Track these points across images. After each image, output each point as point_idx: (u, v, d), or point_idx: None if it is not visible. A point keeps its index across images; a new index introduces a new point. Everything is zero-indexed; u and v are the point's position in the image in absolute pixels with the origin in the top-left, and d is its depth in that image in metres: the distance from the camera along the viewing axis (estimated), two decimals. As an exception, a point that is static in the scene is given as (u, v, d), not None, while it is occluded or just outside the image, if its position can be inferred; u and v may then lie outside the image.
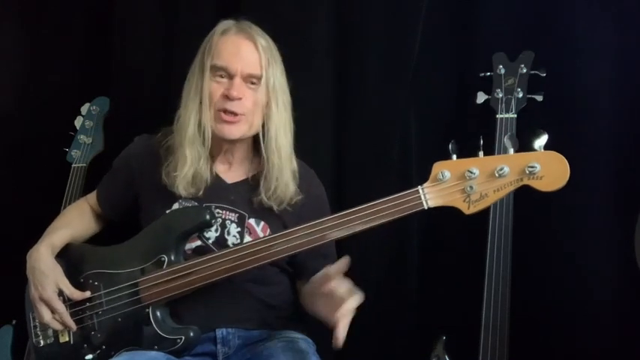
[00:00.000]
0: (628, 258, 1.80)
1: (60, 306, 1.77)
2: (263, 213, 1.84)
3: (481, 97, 2.11)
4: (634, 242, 1.76)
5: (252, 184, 1.86)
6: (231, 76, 1.80)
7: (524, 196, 1.93)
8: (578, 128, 2.11)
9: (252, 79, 1.81)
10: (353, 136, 2.32)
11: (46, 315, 1.77)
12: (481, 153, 1.58)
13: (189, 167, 1.80)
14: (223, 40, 1.82)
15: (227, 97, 1.79)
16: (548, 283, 2.13)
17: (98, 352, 1.77)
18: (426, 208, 1.60)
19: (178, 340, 1.72)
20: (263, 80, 1.81)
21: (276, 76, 1.83)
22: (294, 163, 1.87)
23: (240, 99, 1.79)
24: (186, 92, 1.84)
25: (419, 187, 1.60)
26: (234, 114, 1.79)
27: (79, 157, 2.47)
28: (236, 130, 1.81)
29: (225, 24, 1.86)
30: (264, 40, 1.83)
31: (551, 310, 2.13)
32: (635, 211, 1.80)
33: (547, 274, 2.14)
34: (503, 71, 2.10)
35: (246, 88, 1.81)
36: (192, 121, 1.80)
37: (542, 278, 2.13)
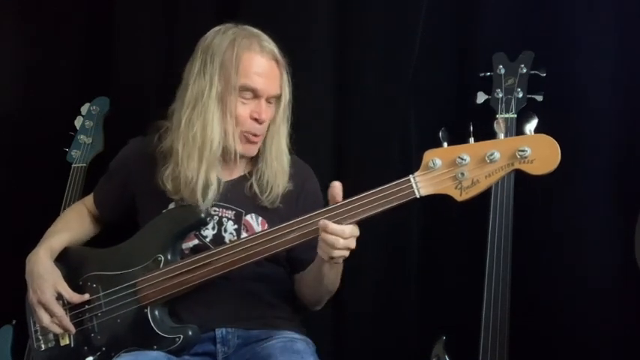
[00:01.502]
0: (628, 258, 1.80)
1: (58, 309, 1.77)
2: (260, 208, 1.85)
3: (481, 97, 2.11)
4: (634, 242, 1.76)
5: (248, 180, 1.86)
6: (257, 97, 1.81)
7: (524, 196, 1.94)
8: (578, 128, 2.11)
9: (271, 99, 1.84)
10: (353, 136, 2.32)
11: (45, 319, 1.78)
12: (471, 139, 1.57)
13: (214, 187, 1.79)
14: (250, 58, 1.80)
15: (256, 120, 1.80)
16: (548, 283, 2.13)
17: (98, 353, 1.77)
18: (418, 196, 1.59)
19: (177, 339, 1.72)
20: (281, 99, 1.84)
21: (289, 90, 1.86)
22: (287, 157, 1.88)
23: (265, 121, 1.83)
24: (203, 102, 1.79)
25: (410, 175, 1.60)
26: (258, 134, 1.83)
27: (79, 157, 2.47)
28: (257, 148, 1.85)
29: (242, 35, 1.82)
30: (281, 57, 1.84)
31: (551, 310, 2.12)
32: (635, 211, 1.80)
33: (547, 274, 2.14)
34: (503, 71, 2.10)
35: (268, 109, 1.83)
36: (218, 140, 1.78)
37: (542, 278, 2.13)
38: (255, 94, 1.81)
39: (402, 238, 2.25)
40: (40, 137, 2.57)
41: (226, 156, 1.84)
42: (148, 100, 2.42)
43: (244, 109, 1.80)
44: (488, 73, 2.12)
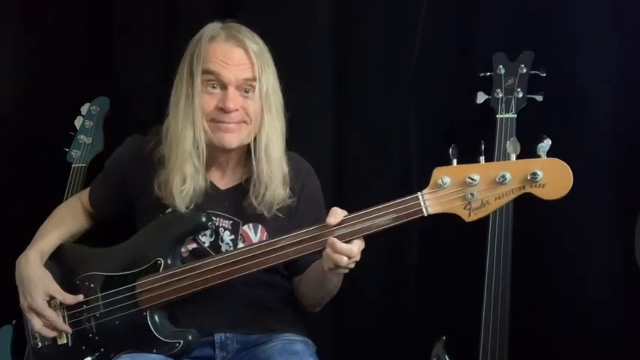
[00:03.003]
0: (628, 258, 1.80)
1: (51, 313, 1.77)
2: (258, 217, 1.82)
3: (481, 97, 2.11)
4: (634, 242, 1.76)
5: (245, 188, 1.83)
6: (223, 86, 1.75)
7: (524, 196, 1.93)
8: (578, 128, 2.12)
9: (245, 87, 1.76)
10: (353, 136, 2.31)
11: (37, 324, 1.78)
12: (482, 158, 1.56)
13: (188, 185, 1.76)
14: (213, 47, 1.76)
15: (222, 110, 1.74)
16: (548, 283, 2.13)
17: (97, 354, 1.77)
18: (425, 215, 1.57)
19: (177, 344, 1.72)
20: (257, 88, 1.76)
21: (269, 82, 1.78)
22: (285, 168, 1.83)
23: (236, 110, 1.75)
24: (175, 102, 1.78)
25: (418, 193, 1.58)
26: (227, 122, 1.75)
27: (79, 157, 2.46)
28: (235, 138, 1.77)
29: (212, 29, 1.80)
30: (255, 45, 1.77)
31: (551, 310, 2.13)
32: (635, 211, 1.80)
33: (547, 275, 2.14)
34: (503, 71, 2.09)
35: (241, 98, 1.76)
36: (189, 136, 1.75)
37: (542, 278, 2.13)
38: (220, 82, 1.74)
39: (402, 238, 2.25)
40: (40, 137, 2.57)
41: (215, 157, 1.82)
42: (148, 100, 2.41)
43: (211, 99, 1.75)
44: (488, 73, 2.12)
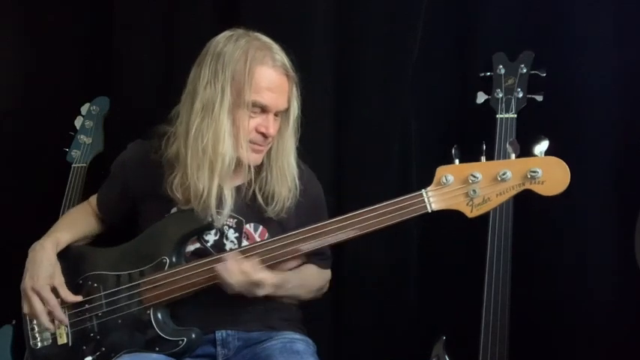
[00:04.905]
0: (628, 258, 1.80)
1: (51, 297, 1.77)
2: (261, 218, 1.84)
3: (481, 97, 2.11)
4: (634, 242, 1.77)
5: (249, 188, 1.85)
6: (265, 112, 1.78)
7: (525, 196, 1.93)
8: (578, 128, 2.12)
9: (278, 113, 1.81)
10: (353, 136, 2.31)
11: (38, 306, 1.77)
12: (483, 158, 1.61)
13: (219, 195, 1.78)
14: (263, 73, 1.76)
15: (262, 134, 1.78)
16: (548, 283, 2.13)
17: (98, 353, 1.77)
18: (429, 211, 1.63)
19: (180, 342, 1.72)
20: (289, 113, 1.83)
21: (297, 106, 1.85)
22: (295, 176, 1.86)
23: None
24: (216, 116, 1.75)
25: (422, 190, 1.63)
26: (263, 145, 1.81)
27: (79, 157, 2.47)
28: (262, 157, 1.83)
29: (258, 49, 1.78)
30: (293, 72, 1.82)
31: (551, 310, 2.12)
32: (635, 211, 1.80)
33: (547, 274, 2.14)
34: (503, 71, 2.10)
35: (275, 123, 1.81)
36: (230, 152, 1.76)
37: (542, 278, 2.13)
38: (264, 109, 1.78)
39: (401, 238, 2.25)
40: (40, 137, 2.57)
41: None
42: (148, 100, 2.42)
43: (252, 122, 1.77)
44: (488, 73, 2.12)
